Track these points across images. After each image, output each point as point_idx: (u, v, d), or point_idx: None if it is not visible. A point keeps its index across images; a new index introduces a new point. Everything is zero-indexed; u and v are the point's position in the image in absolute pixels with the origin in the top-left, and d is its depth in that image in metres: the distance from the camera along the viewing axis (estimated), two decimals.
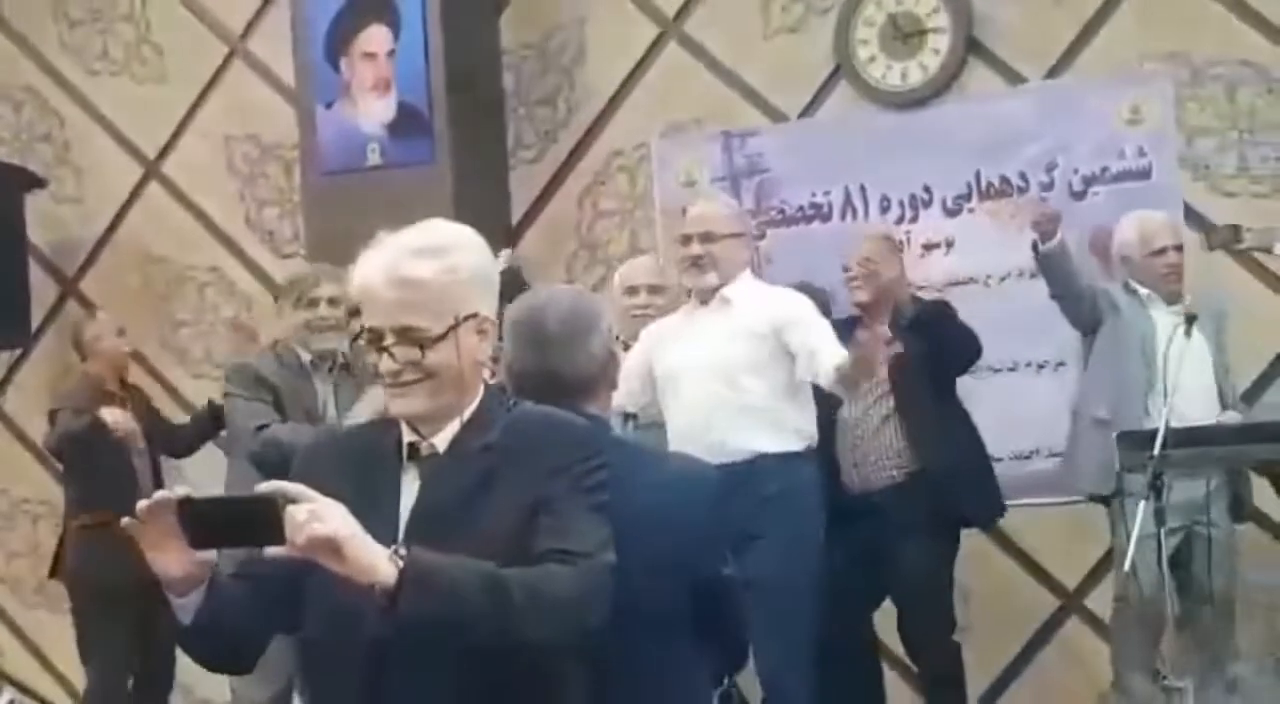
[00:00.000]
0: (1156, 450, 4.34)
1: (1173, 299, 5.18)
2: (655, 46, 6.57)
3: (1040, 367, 5.92)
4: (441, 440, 2.33)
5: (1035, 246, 5.09)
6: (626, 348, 4.67)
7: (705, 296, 4.82)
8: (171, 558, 2.18)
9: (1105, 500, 5.09)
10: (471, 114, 6.52)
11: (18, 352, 7.43)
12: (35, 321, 7.28)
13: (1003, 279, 5.96)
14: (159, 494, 2.16)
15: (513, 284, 5.14)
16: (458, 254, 2.33)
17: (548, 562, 2.20)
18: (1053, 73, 6.06)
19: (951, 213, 6.08)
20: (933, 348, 5.06)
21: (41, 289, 7.33)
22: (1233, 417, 5.07)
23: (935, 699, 5.30)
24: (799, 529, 4.67)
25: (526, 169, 6.74)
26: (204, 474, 5.77)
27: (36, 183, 7.26)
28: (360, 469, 2.34)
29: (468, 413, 2.33)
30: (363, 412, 4.66)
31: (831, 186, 6.23)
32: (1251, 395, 5.58)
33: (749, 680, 4.63)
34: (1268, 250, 5.25)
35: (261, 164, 7.14)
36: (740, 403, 4.65)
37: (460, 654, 2.18)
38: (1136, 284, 5.23)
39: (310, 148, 6.56)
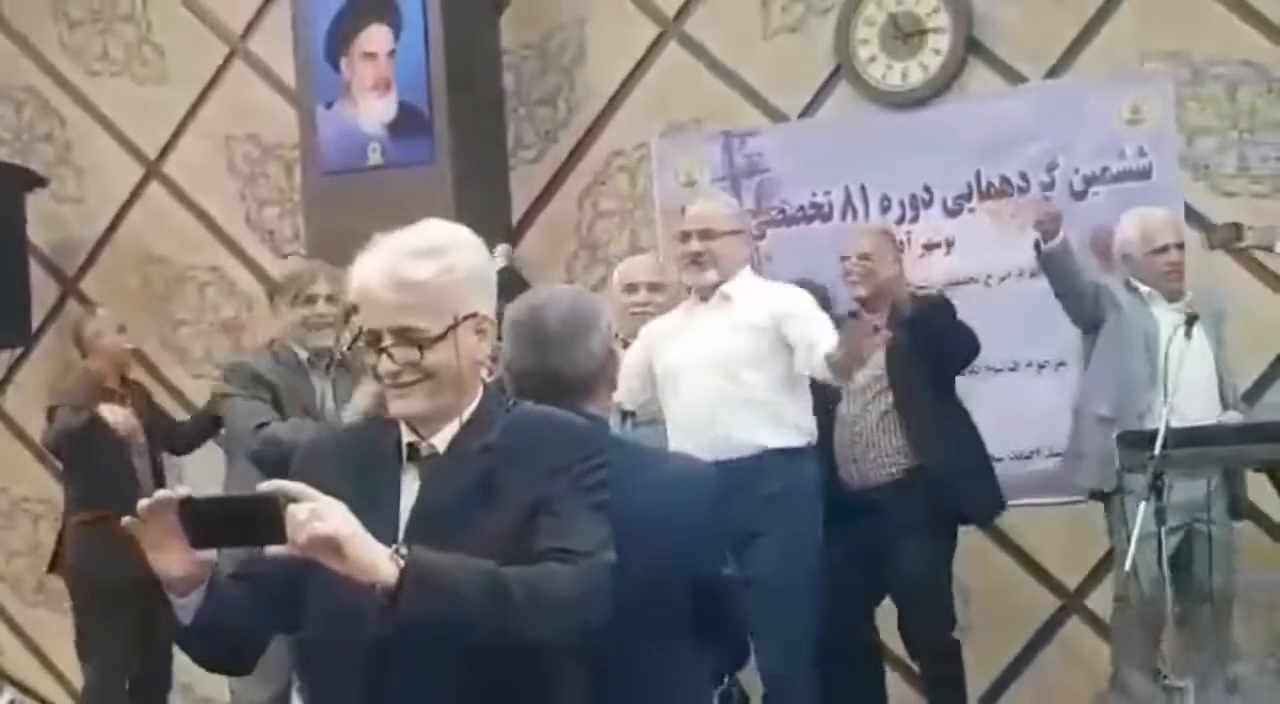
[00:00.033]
0: (1157, 450, 4.35)
1: (1174, 297, 5.19)
2: (655, 46, 6.58)
3: (1041, 366, 5.92)
4: (441, 441, 2.33)
5: (1038, 246, 5.09)
6: (626, 346, 4.68)
7: (705, 294, 4.83)
8: (172, 557, 2.18)
9: (1106, 497, 5.09)
10: (472, 114, 6.52)
11: (18, 351, 7.43)
12: (36, 321, 7.28)
13: (1003, 279, 5.96)
14: (160, 493, 2.16)
15: (512, 282, 5.17)
16: (455, 254, 2.33)
17: (548, 561, 2.20)
18: (1053, 72, 6.07)
19: (952, 213, 6.08)
20: (931, 345, 5.06)
21: (42, 289, 7.34)
22: (1233, 417, 5.07)
23: (936, 699, 5.30)
24: (800, 527, 4.67)
25: (527, 169, 6.74)
26: (205, 473, 5.77)
27: (37, 182, 7.26)
28: (360, 470, 2.33)
29: (467, 413, 2.33)
30: (359, 401, 4.67)
31: (832, 186, 6.23)
32: (1252, 395, 5.59)
33: (750, 680, 4.63)
34: (1269, 249, 5.26)
35: (262, 164, 7.14)
36: (742, 397, 4.66)
37: (460, 654, 2.18)
38: (1137, 282, 5.23)
39: (311, 148, 6.56)
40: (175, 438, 6.20)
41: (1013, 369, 5.93)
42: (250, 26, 7.14)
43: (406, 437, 2.34)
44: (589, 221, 6.69)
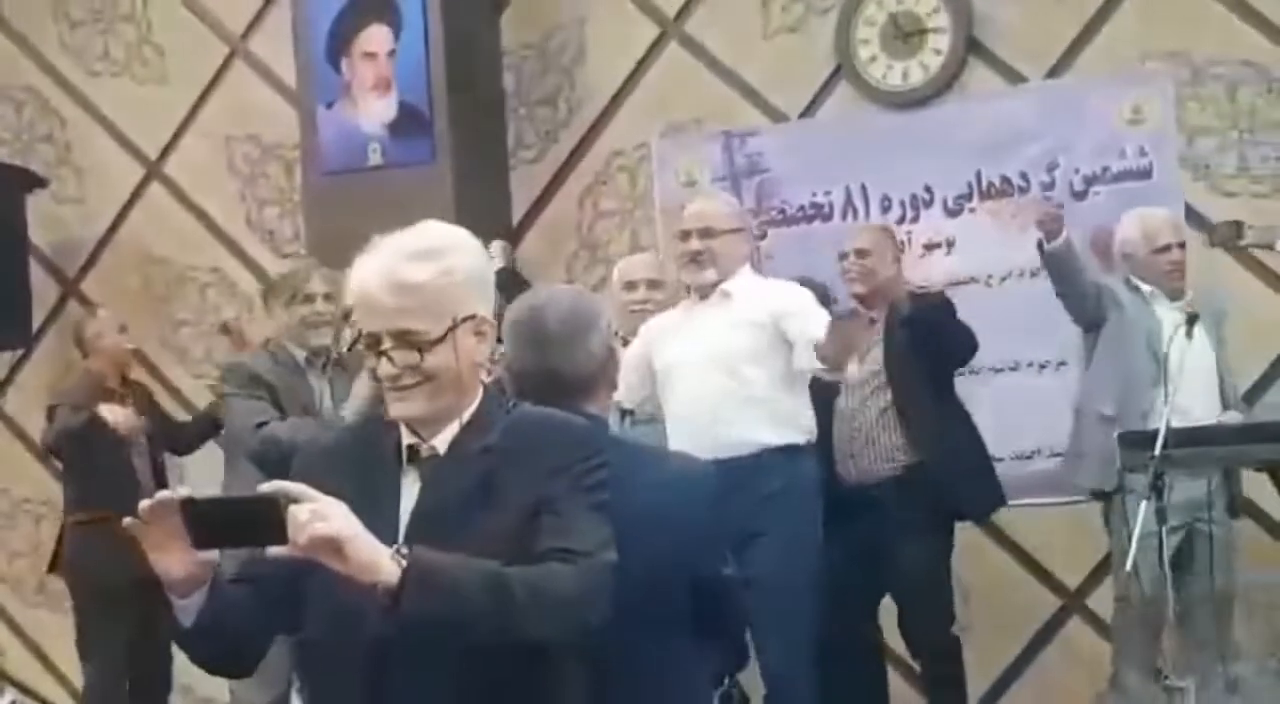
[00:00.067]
0: (1158, 450, 4.35)
1: (1175, 296, 5.18)
2: (655, 46, 6.58)
3: (1041, 366, 5.92)
4: (441, 442, 2.33)
5: (1041, 245, 5.08)
6: (625, 343, 4.67)
7: (705, 292, 4.83)
8: (174, 559, 2.18)
9: (1107, 497, 5.09)
10: (472, 114, 6.52)
11: (19, 352, 7.44)
12: (36, 322, 7.29)
13: (1004, 279, 5.96)
14: (161, 494, 2.15)
15: (512, 281, 5.17)
16: (453, 256, 2.32)
17: (549, 561, 2.20)
18: (1053, 72, 6.07)
19: (952, 213, 6.08)
20: (930, 343, 5.06)
21: (42, 289, 7.34)
22: (1234, 417, 5.07)
23: (935, 698, 5.30)
24: (800, 527, 4.68)
25: (527, 169, 6.74)
26: (206, 473, 5.77)
27: (38, 183, 7.26)
28: (360, 471, 2.33)
29: (467, 414, 2.33)
30: (359, 391, 4.67)
31: (832, 186, 6.23)
32: (1252, 395, 5.59)
33: (751, 679, 4.63)
34: (1269, 247, 5.26)
35: (262, 164, 7.14)
36: (743, 394, 4.66)
37: (460, 654, 2.18)
38: (1139, 281, 5.23)
39: (311, 148, 6.56)
40: (177, 439, 6.21)
41: (1013, 369, 5.93)
42: (250, 27, 7.14)
43: (406, 438, 2.34)
44: (589, 222, 6.69)
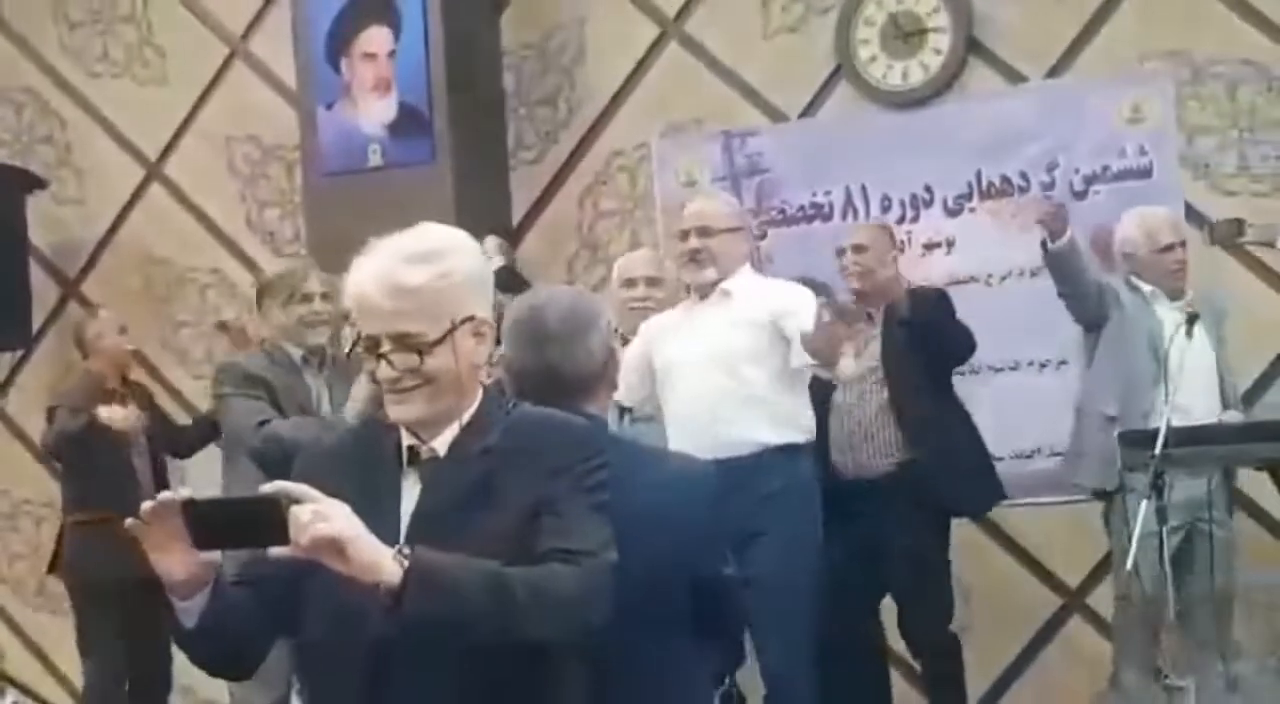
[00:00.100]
0: (1158, 449, 4.35)
1: (1176, 295, 5.18)
2: (655, 46, 6.58)
3: (1042, 366, 5.92)
4: (441, 444, 2.33)
5: (1044, 244, 5.07)
6: (625, 341, 4.67)
7: (704, 291, 4.83)
8: (175, 560, 2.18)
9: (1108, 496, 5.09)
10: (472, 114, 6.52)
11: (19, 353, 7.44)
12: (36, 323, 7.29)
13: (1004, 278, 5.97)
14: (163, 495, 2.15)
15: (512, 280, 5.17)
16: (451, 258, 2.32)
17: (550, 561, 2.20)
18: (1053, 72, 6.07)
19: (952, 212, 6.09)
20: (929, 342, 5.06)
21: (43, 290, 7.34)
22: (1234, 416, 5.07)
23: (935, 697, 5.30)
24: (800, 526, 4.68)
25: (527, 169, 6.74)
26: (207, 474, 5.76)
27: (38, 184, 7.27)
28: (360, 473, 2.33)
29: (467, 416, 2.33)
30: (359, 393, 4.67)
31: (832, 186, 6.23)
32: (1252, 395, 5.59)
33: (750, 679, 4.63)
34: (1270, 245, 5.26)
35: (262, 165, 7.14)
36: (743, 394, 4.66)
37: (461, 654, 2.18)
38: (1140, 281, 5.23)
39: (311, 148, 6.56)
40: (177, 442, 6.20)
41: (1014, 368, 5.93)
42: (250, 28, 7.14)
43: (406, 440, 2.34)
44: (589, 222, 6.69)
